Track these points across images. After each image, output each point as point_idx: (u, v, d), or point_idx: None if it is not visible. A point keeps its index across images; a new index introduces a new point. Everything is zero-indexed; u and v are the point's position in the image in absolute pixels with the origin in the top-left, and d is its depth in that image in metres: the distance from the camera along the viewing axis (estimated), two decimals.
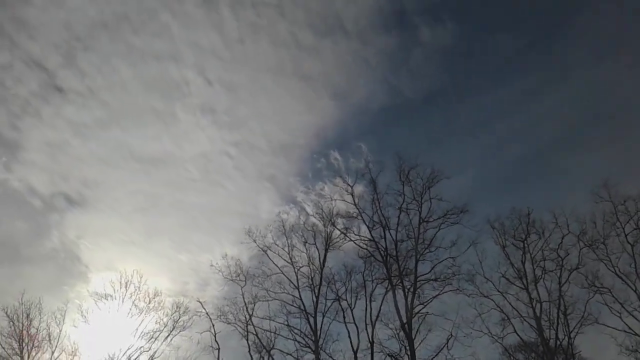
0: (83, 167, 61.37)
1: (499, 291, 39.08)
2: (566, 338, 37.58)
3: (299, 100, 72.79)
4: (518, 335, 38.34)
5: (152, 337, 38.50)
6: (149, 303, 39.23)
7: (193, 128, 67.94)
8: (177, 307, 39.70)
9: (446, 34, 71.73)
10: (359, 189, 41.73)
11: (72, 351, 37.02)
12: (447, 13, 73.51)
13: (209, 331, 40.27)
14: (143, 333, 38.50)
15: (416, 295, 37.97)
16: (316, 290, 39.66)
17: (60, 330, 37.57)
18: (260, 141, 69.99)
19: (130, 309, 38.88)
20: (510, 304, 38.69)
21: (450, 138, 73.80)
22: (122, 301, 38.99)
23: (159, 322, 39.02)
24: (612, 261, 37.87)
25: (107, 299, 38.87)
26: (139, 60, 65.37)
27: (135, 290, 39.42)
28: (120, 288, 39.11)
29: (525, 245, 39.59)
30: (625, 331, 36.43)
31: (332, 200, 42.07)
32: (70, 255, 55.71)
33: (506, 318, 38.53)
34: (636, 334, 36.07)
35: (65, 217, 58.92)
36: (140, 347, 38.10)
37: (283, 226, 41.82)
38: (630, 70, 63.72)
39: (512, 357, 40.03)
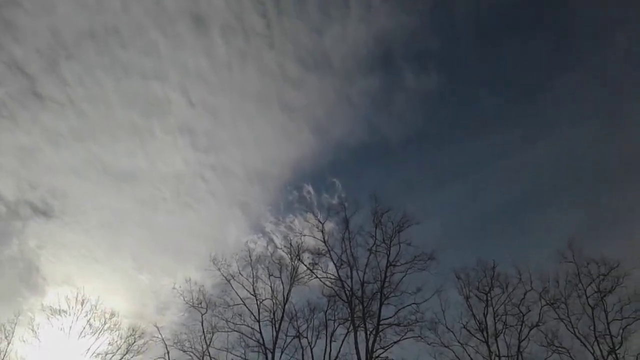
0: (53, 176, 59.90)
1: (459, 342, 39.16)
2: None
3: (279, 131, 73.32)
4: None
5: (104, 359, 37.26)
6: (105, 323, 38.12)
7: (169, 147, 67.35)
8: (133, 331, 38.63)
9: (430, 81, 73.62)
10: (329, 225, 41.93)
11: None
12: (433, 62, 75.54)
13: (163, 358, 39.19)
14: (95, 354, 37.24)
15: (377, 338, 37.81)
16: (277, 325, 39.16)
17: (8, 344, 36.19)
18: (236, 167, 69.87)
19: (84, 328, 37.68)
20: (469, 356, 38.73)
21: (425, 183, 74.79)
22: (77, 319, 37.81)
23: (113, 344, 37.84)
24: (572, 322, 38.45)
25: (61, 315, 37.61)
26: (123, 75, 64.74)
27: (92, 309, 38.33)
28: (76, 305, 38.00)
29: (489, 298, 39.95)
30: None
31: (301, 235, 42.08)
32: (28, 265, 53.65)
33: None
34: None
35: (28, 226, 56.97)
36: None
37: (249, 256, 41.57)
38: (607, 134, 65.98)
39: None
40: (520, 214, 66.06)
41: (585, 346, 37.65)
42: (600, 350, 37.34)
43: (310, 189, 52.92)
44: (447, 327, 39.52)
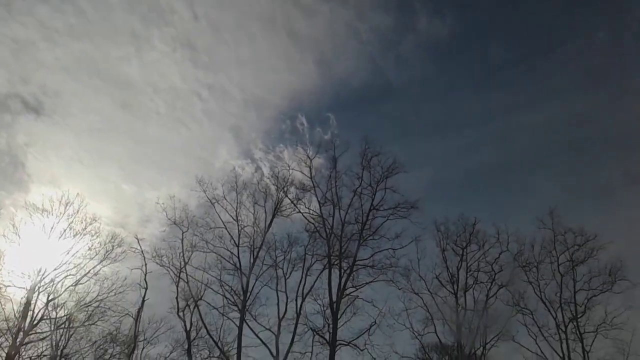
0: (46, 73, 58.38)
1: (429, 291, 40.26)
2: (481, 348, 39.03)
3: (282, 58, 71.41)
4: (437, 336, 39.64)
5: (81, 263, 37.64)
6: (85, 228, 38.28)
7: (168, 60, 65.64)
8: (112, 238, 38.86)
9: (443, 27, 71.92)
10: (317, 161, 41.92)
11: None
12: (449, 7, 73.36)
13: (140, 269, 39.87)
14: (73, 256, 37.61)
15: (350, 277, 38.68)
16: (255, 252, 39.66)
17: None
18: (234, 89, 68.45)
19: (65, 230, 37.85)
20: (437, 305, 39.86)
21: (421, 131, 74.80)
22: (58, 220, 37.90)
23: (91, 250, 38.13)
24: (540, 286, 39.63)
25: (43, 215, 37.60)
26: None
27: (74, 212, 38.37)
28: (59, 206, 38.00)
29: (464, 252, 40.85)
30: (537, 354, 38.25)
31: (289, 168, 42.08)
32: (14, 161, 53.08)
33: (430, 318, 39.79)
34: (546, 358, 37.84)
35: (17, 121, 56.06)
36: (67, 270, 37.22)
37: (236, 182, 41.50)
38: (610, 105, 65.79)
39: (427, 355, 41.23)
40: (509, 175, 66.86)
41: (549, 311, 39.11)
42: (563, 317, 38.78)
43: (304, 120, 52.51)
44: (419, 275, 40.61)
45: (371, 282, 39.01)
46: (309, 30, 70.53)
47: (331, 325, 37.01)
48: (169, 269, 39.21)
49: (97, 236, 38.35)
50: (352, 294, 38.65)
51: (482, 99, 73.12)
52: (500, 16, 74.73)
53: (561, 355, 37.39)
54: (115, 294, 37.35)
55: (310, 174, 41.44)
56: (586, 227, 39.84)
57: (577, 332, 37.91)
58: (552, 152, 68.86)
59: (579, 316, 38.34)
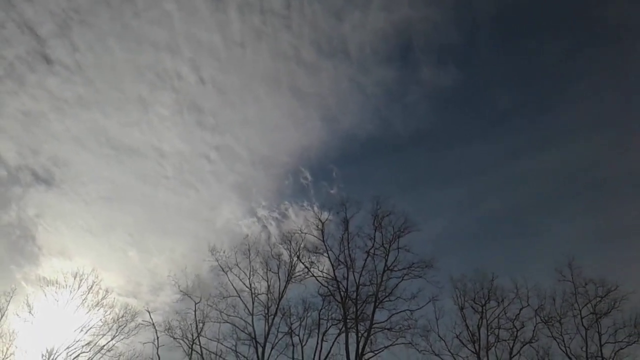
0: (55, 144, 59.01)
1: (450, 352, 39.00)
2: None
3: (288, 116, 72.44)
4: None
5: (94, 339, 37.29)
6: (99, 302, 38.19)
7: (176, 124, 66.70)
8: (125, 312, 38.60)
9: (447, 77, 72.44)
10: (328, 225, 41.87)
11: (10, 340, 35.61)
12: (452, 57, 74.01)
13: (152, 343, 39.21)
14: (86, 331, 37.30)
15: (369, 342, 37.73)
16: (270, 320, 39.08)
17: (1, 317, 36.19)
18: (241, 149, 69.06)
19: (78, 305, 37.74)
20: None
21: (431, 181, 74.02)
22: (71, 294, 37.85)
23: (105, 325, 37.87)
24: (564, 341, 38.30)
25: (56, 289, 37.66)
26: (134, 45, 63.50)
27: (87, 284, 38.38)
28: (74, 281, 38.05)
29: (484, 310, 39.79)
30: None
31: (301, 233, 41.88)
32: (25, 234, 53.11)
33: None
34: None
35: (27, 193, 56.20)
36: (82, 347, 36.84)
37: (248, 249, 41.42)
38: (621, 145, 65.10)
39: None
40: (523, 221, 65.19)
41: None
42: None
43: (308, 174, 52.54)
44: (439, 336, 39.42)
45: (390, 345, 38.09)
46: (313, 87, 71.96)
47: None
48: (181, 342, 38.66)
49: (111, 311, 38.14)
50: (371, 359, 37.61)
51: (490, 145, 73.03)
52: (503, 62, 75.66)
53: None
54: None
55: (322, 237, 41.32)
56: (607, 275, 38.91)
57: None
58: (567, 195, 67.38)
59: None
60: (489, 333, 39.22)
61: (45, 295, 37.98)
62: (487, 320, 39.59)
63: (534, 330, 38.76)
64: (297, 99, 71.71)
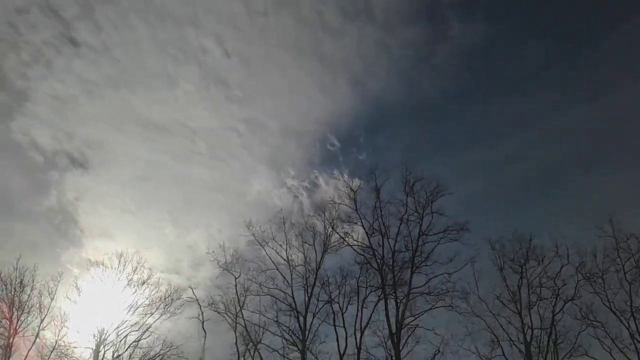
0: (88, 127, 59.40)
1: (491, 312, 38.94)
2: None
3: (315, 83, 71.24)
4: (506, 358, 38.04)
5: (142, 318, 38.53)
6: (145, 282, 39.35)
7: (203, 99, 66.49)
8: (171, 291, 39.69)
9: (476, 32, 69.75)
10: (360, 192, 41.84)
11: (62, 322, 36.98)
12: (481, 10, 71.12)
13: (197, 318, 40.31)
14: (134, 311, 38.55)
15: (408, 307, 38.00)
16: (309, 290, 39.71)
17: (52, 300, 37.54)
18: (269, 121, 68.51)
19: (125, 285, 38.99)
20: (501, 326, 38.52)
21: (462, 143, 72.17)
22: (117, 275, 39.07)
23: (152, 305, 39.03)
24: (608, 296, 37.65)
25: (101, 269, 38.93)
26: (157, 21, 62.96)
27: (132, 264, 39.53)
28: (119, 263, 39.23)
29: (524, 270, 39.37)
30: None
31: (334, 203, 41.98)
32: (66, 217, 54.25)
33: (496, 340, 38.34)
34: None
35: (65, 177, 57.17)
36: (132, 325, 38.16)
37: (283, 222, 41.83)
38: None
39: None
40: (561, 179, 63.12)
41: (621, 321, 36.93)
42: (636, 326, 36.63)
43: (336, 141, 52.07)
44: (479, 297, 39.34)
45: (430, 309, 38.29)
46: (339, 53, 70.24)
47: (394, 357, 36.32)
48: (225, 316, 39.61)
49: (157, 289, 39.19)
50: (411, 323, 37.92)
51: (522, 102, 70.10)
52: (531, 13, 72.07)
53: None
54: (177, 347, 37.94)
55: (355, 206, 41.32)
56: None
57: None
58: (605, 149, 64.10)
59: None
60: (530, 292, 38.89)
61: (92, 276, 39.32)
62: (527, 280, 39.20)
63: (575, 287, 38.21)
64: (323, 66, 70.41)
